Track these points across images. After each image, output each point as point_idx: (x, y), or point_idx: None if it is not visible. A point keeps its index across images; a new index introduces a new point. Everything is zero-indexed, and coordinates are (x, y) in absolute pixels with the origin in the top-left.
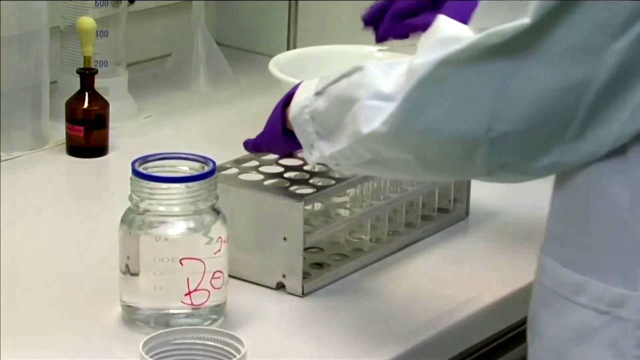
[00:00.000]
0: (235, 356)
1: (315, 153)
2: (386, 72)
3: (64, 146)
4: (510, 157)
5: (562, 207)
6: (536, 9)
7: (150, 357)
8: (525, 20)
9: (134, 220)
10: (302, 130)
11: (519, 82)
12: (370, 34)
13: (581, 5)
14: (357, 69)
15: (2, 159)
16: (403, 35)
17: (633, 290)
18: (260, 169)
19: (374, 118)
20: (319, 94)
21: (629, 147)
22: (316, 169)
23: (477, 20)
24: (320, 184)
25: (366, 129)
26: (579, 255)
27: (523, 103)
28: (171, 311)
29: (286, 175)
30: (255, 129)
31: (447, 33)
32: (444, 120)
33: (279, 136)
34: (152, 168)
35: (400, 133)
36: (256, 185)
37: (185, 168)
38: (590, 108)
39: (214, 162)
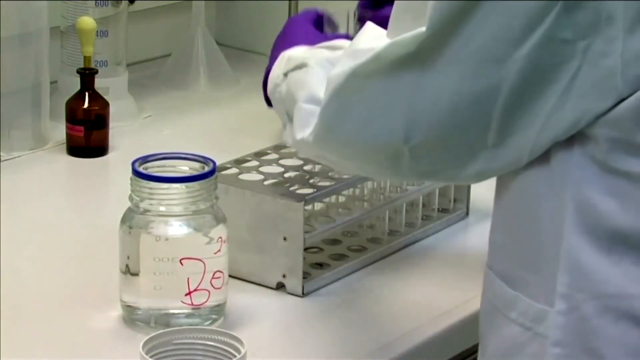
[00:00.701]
0: (235, 356)
1: (285, 135)
2: (325, 70)
3: (64, 146)
4: (434, 165)
5: (497, 218)
6: (432, 19)
7: (150, 357)
8: (422, 29)
9: (134, 220)
10: (277, 107)
11: (428, 91)
12: None
13: (478, 12)
14: (304, 65)
15: (2, 159)
16: None
17: (551, 306)
18: (261, 169)
19: (307, 123)
20: (285, 75)
21: (552, 156)
22: (316, 169)
23: (389, 28)
24: (320, 184)
25: (298, 134)
26: (511, 269)
27: (435, 112)
28: (171, 311)
29: (286, 175)
30: (255, 129)
31: (366, 43)
32: (362, 130)
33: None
34: (152, 168)
35: (325, 142)
36: (256, 185)
37: (185, 168)
38: (503, 115)
39: (214, 162)
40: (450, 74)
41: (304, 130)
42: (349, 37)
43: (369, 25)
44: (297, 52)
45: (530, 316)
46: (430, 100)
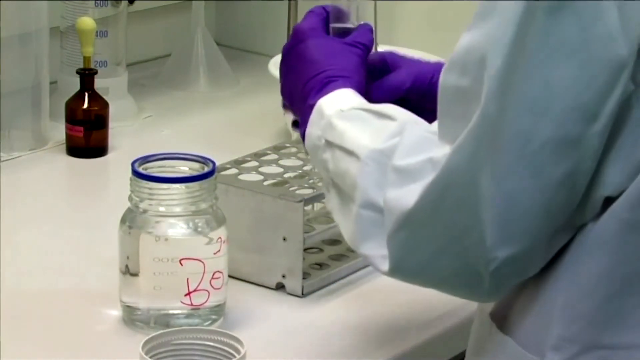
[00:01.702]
0: (234, 356)
1: (328, 202)
2: (383, 169)
3: (64, 146)
4: (523, 270)
5: None
6: (486, 94)
7: (150, 357)
8: (477, 110)
9: (133, 221)
10: (318, 167)
11: (505, 200)
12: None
13: (542, 90)
14: (355, 157)
15: (2, 159)
16: None
17: (542, 357)
18: (260, 169)
19: (369, 234)
20: (328, 144)
21: None
22: (316, 169)
23: (442, 128)
24: (319, 184)
25: (363, 247)
26: (504, 311)
27: (520, 220)
28: (171, 311)
29: (286, 175)
30: (255, 130)
31: (416, 155)
32: (435, 260)
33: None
34: (152, 168)
35: (399, 274)
36: (256, 185)
37: (185, 168)
38: (586, 191)
39: (213, 163)
40: (523, 170)
41: (367, 244)
42: (367, 31)
43: (407, 129)
44: (338, 112)
45: None
46: (510, 209)
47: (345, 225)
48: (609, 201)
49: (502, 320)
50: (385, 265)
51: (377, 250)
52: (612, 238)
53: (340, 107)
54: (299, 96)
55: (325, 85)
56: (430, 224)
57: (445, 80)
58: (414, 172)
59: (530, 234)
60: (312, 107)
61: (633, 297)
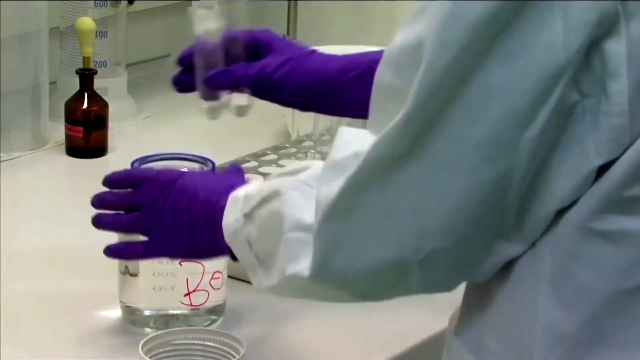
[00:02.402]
0: (234, 356)
1: (258, 279)
2: (307, 196)
3: (64, 146)
4: (447, 274)
5: (471, 286)
6: (416, 93)
7: (150, 357)
8: (403, 110)
9: None
10: (242, 253)
11: (432, 191)
12: (370, 34)
13: (481, 92)
14: (275, 194)
15: (1, 159)
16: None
17: None
18: (260, 169)
19: (298, 254)
20: (247, 216)
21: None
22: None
23: (373, 123)
24: None
25: (291, 268)
26: (482, 340)
27: (444, 213)
28: (170, 312)
29: None
30: (254, 130)
31: (345, 149)
32: (363, 252)
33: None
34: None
35: (322, 273)
36: None
37: (184, 169)
38: (520, 200)
39: (213, 163)
40: (454, 169)
41: (295, 263)
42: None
43: (342, 130)
44: (252, 188)
45: None
46: (436, 201)
47: (277, 273)
48: (560, 213)
49: (476, 348)
50: (307, 272)
51: (303, 264)
52: (574, 247)
53: (251, 186)
54: (205, 218)
55: (229, 190)
56: (354, 215)
57: (379, 77)
58: (342, 166)
59: (456, 231)
60: (224, 207)
61: (616, 317)
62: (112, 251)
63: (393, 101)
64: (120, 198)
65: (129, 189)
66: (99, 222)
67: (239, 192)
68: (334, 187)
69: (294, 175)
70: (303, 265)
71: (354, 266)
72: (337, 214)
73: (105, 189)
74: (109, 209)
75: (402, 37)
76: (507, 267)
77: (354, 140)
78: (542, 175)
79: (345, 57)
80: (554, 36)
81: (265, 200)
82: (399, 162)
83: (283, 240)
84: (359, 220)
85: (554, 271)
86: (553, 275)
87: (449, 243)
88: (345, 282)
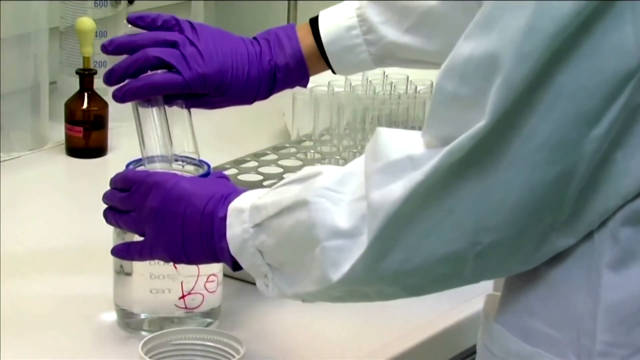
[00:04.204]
0: (234, 356)
1: (272, 286)
2: (336, 202)
3: (63, 147)
4: (501, 264)
5: (516, 277)
6: (495, 111)
7: (150, 357)
8: (480, 124)
9: None
10: (251, 263)
11: (494, 191)
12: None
13: (543, 101)
14: (301, 204)
15: (1, 159)
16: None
17: None
18: (260, 169)
19: (340, 261)
20: (258, 226)
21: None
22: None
23: (430, 128)
24: None
25: (335, 275)
26: (531, 326)
27: (505, 210)
28: (165, 315)
29: (285, 175)
30: (254, 130)
31: (396, 153)
32: (421, 248)
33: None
34: None
35: (374, 273)
36: (255, 185)
37: (178, 172)
38: (578, 195)
39: (208, 165)
40: (518, 169)
41: (338, 270)
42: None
43: (383, 133)
44: (259, 198)
45: None
46: (498, 200)
47: (310, 279)
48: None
49: (527, 334)
50: (362, 274)
51: (347, 270)
52: (636, 235)
53: (256, 196)
54: (200, 227)
55: (225, 200)
56: (417, 215)
57: (442, 85)
58: (396, 170)
59: (515, 225)
60: (223, 218)
61: None
62: (117, 251)
63: (456, 109)
64: (117, 198)
65: (125, 190)
66: (105, 218)
67: (240, 203)
68: (393, 191)
69: (307, 182)
70: (347, 269)
71: (410, 262)
72: (400, 216)
73: (103, 189)
74: (113, 207)
75: (468, 47)
76: (560, 253)
77: (400, 143)
78: (604, 172)
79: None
80: (624, 38)
81: (288, 209)
82: (467, 167)
83: (319, 249)
84: (420, 220)
85: (615, 256)
86: (614, 260)
87: (507, 235)
88: (400, 277)
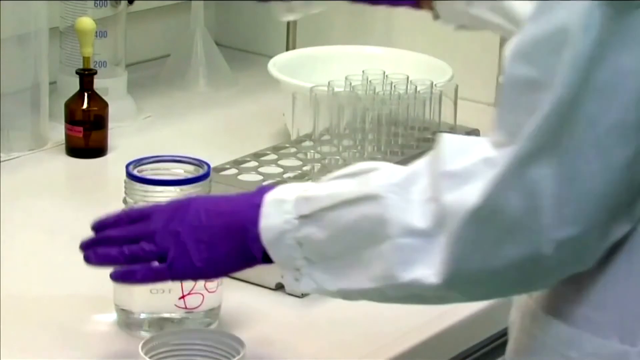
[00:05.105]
0: (234, 356)
1: (307, 281)
2: (406, 199)
3: (63, 147)
4: (577, 257)
5: None
6: (564, 81)
7: (150, 357)
8: (552, 97)
9: None
10: (286, 255)
11: (569, 178)
12: (370, 34)
13: (611, 73)
14: (370, 198)
15: (1, 159)
16: None
17: (633, 345)
18: (260, 169)
19: (412, 260)
20: (306, 217)
21: None
22: (315, 170)
23: (501, 121)
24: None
25: (407, 274)
26: (572, 307)
27: (579, 202)
28: (165, 315)
29: (285, 175)
30: (254, 130)
31: (465, 156)
32: (498, 252)
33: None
34: (147, 171)
35: (454, 280)
36: (255, 186)
37: (179, 171)
38: None
39: (208, 165)
40: (589, 153)
41: (409, 270)
42: None
43: (448, 138)
44: (307, 190)
45: (602, 356)
46: (573, 187)
47: (368, 275)
48: None
49: (568, 316)
50: (436, 279)
51: (424, 271)
52: None
53: (300, 189)
54: (228, 229)
55: (252, 200)
56: (495, 218)
57: (511, 72)
58: (469, 173)
59: (587, 217)
60: (257, 205)
61: None
62: (120, 275)
63: (526, 94)
64: (129, 230)
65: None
66: (99, 259)
67: (281, 195)
68: (469, 193)
69: (363, 176)
70: (422, 272)
71: (487, 267)
72: (478, 218)
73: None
74: (114, 244)
75: (534, 28)
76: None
77: (468, 146)
78: None
79: None
80: None
81: (351, 202)
82: (540, 155)
83: (388, 245)
84: (498, 221)
85: None
86: None
87: (579, 231)
88: (476, 284)
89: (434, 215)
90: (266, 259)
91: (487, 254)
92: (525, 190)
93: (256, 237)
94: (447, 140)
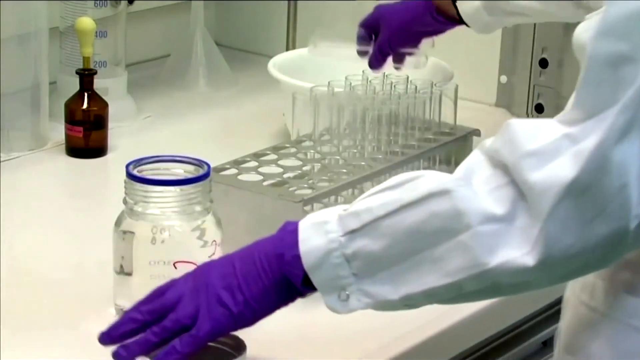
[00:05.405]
0: (235, 356)
1: (358, 297)
2: (474, 191)
3: (63, 147)
4: None
5: None
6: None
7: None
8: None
9: (128, 223)
10: (331, 275)
11: None
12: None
13: None
14: (436, 195)
15: (1, 159)
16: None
17: None
18: (260, 169)
19: (497, 245)
20: (355, 232)
21: None
22: (315, 170)
23: (582, 99)
24: (319, 184)
25: (495, 259)
26: (635, 278)
27: None
28: None
29: (285, 175)
30: (254, 130)
31: (545, 135)
32: (588, 230)
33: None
34: (147, 171)
35: (547, 260)
36: (255, 186)
37: (179, 171)
38: None
39: (208, 165)
40: None
41: (495, 255)
42: None
43: (517, 122)
44: (362, 204)
45: None
46: None
47: (441, 272)
48: None
49: (631, 286)
50: (530, 260)
51: (514, 252)
52: None
53: (339, 209)
54: (263, 267)
55: (285, 225)
56: (588, 193)
57: (598, 47)
58: (553, 151)
59: None
60: (291, 232)
61: None
62: (163, 357)
63: (613, 70)
64: (152, 307)
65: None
66: (132, 353)
67: (319, 218)
68: (558, 169)
69: (410, 184)
70: (511, 254)
71: (578, 244)
72: (572, 194)
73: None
74: (138, 332)
75: (623, 4)
76: None
77: (541, 126)
78: None
79: None
80: None
81: (414, 204)
82: (630, 129)
83: (467, 235)
84: (590, 197)
85: None
86: None
87: None
88: (566, 263)
89: (508, 199)
90: (304, 287)
91: (580, 230)
92: (616, 165)
93: (295, 264)
94: (517, 124)
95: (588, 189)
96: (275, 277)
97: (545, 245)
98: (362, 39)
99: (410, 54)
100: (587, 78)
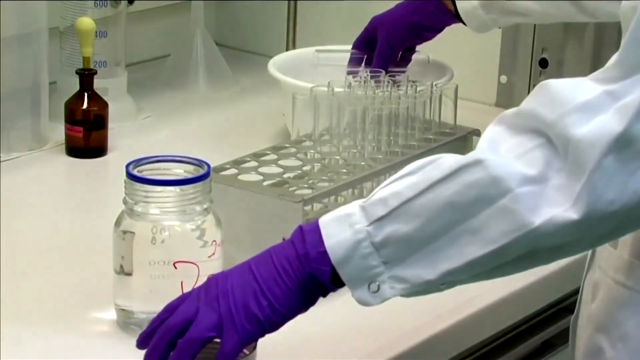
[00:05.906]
0: (246, 354)
1: (391, 284)
2: (505, 157)
3: (63, 147)
4: None
5: None
6: None
7: None
8: None
9: (128, 223)
10: (361, 267)
11: None
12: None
13: None
14: (468, 166)
15: (1, 159)
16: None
17: None
18: (260, 169)
19: (539, 204)
20: (383, 218)
21: None
22: (315, 170)
23: (627, 54)
24: (319, 184)
25: (540, 217)
26: None
27: None
28: None
29: (285, 175)
30: (254, 130)
31: (585, 92)
32: (629, 185)
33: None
34: (147, 171)
35: (591, 213)
36: (255, 186)
37: (179, 171)
38: None
39: (208, 165)
40: None
41: (538, 213)
42: None
43: (552, 83)
44: (386, 191)
45: None
46: None
47: (484, 240)
48: None
49: None
50: (574, 214)
51: (557, 209)
52: None
53: (359, 201)
54: (281, 268)
55: (300, 226)
56: (632, 147)
57: None
58: (596, 106)
59: None
60: (312, 230)
61: None
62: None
63: None
64: (174, 322)
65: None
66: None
67: (341, 211)
68: (604, 123)
69: (426, 168)
70: (555, 210)
71: (621, 199)
72: (618, 147)
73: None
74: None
75: None
76: None
77: (579, 84)
78: None
79: None
80: None
81: (444, 180)
82: None
83: (507, 199)
84: (635, 151)
85: None
86: None
87: None
88: (608, 220)
89: (540, 161)
90: (332, 284)
91: (624, 185)
92: None
93: (321, 261)
94: (554, 84)
95: (633, 143)
96: (298, 278)
97: (589, 198)
98: (354, 61)
99: (410, 51)
100: (631, 36)
